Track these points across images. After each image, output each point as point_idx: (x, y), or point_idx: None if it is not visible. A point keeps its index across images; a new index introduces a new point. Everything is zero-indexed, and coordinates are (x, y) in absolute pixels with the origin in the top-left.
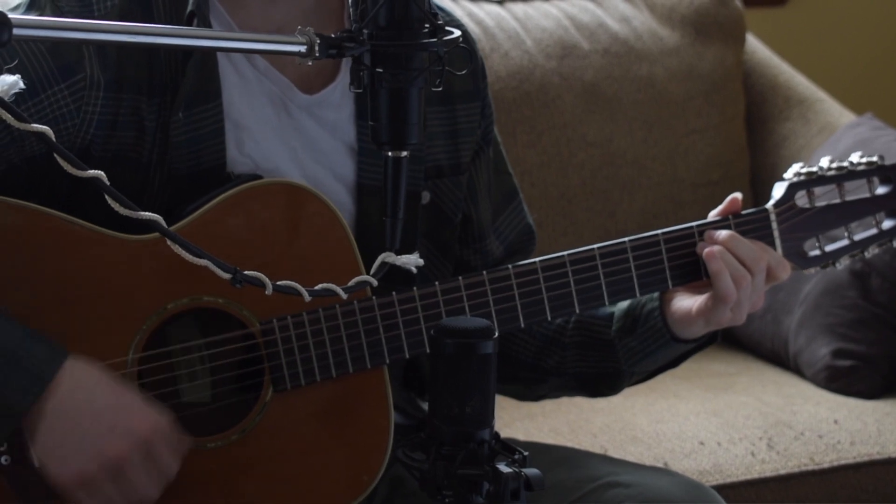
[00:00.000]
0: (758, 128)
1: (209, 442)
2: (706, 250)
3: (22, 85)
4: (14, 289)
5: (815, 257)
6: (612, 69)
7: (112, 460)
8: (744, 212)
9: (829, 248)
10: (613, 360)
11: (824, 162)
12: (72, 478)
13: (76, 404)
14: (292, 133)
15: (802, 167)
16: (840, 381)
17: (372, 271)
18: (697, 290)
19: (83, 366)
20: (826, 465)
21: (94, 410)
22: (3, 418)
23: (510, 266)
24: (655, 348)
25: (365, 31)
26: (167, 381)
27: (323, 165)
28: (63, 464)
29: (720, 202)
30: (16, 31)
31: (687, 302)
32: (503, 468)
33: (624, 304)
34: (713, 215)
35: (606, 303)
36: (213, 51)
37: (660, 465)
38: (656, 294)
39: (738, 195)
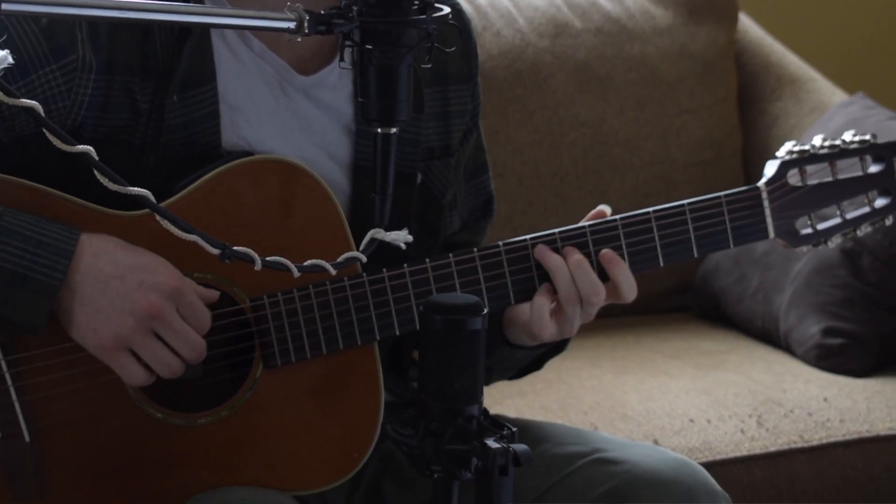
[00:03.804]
0: (750, 107)
1: (199, 418)
2: (547, 259)
3: (11, 60)
4: None
5: (807, 235)
6: (604, 48)
7: (146, 314)
8: (735, 190)
9: (820, 226)
10: None
11: (817, 140)
12: (111, 341)
13: (101, 270)
14: (288, 114)
15: (795, 145)
16: (830, 359)
17: (361, 247)
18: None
19: (98, 236)
20: (815, 443)
21: (119, 272)
22: (39, 298)
23: (501, 243)
24: (490, 350)
25: (354, 7)
26: None
27: (319, 146)
28: (99, 330)
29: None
30: (4, 6)
31: (522, 307)
32: (492, 444)
33: None
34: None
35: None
36: (202, 27)
37: (649, 442)
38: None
39: (606, 209)
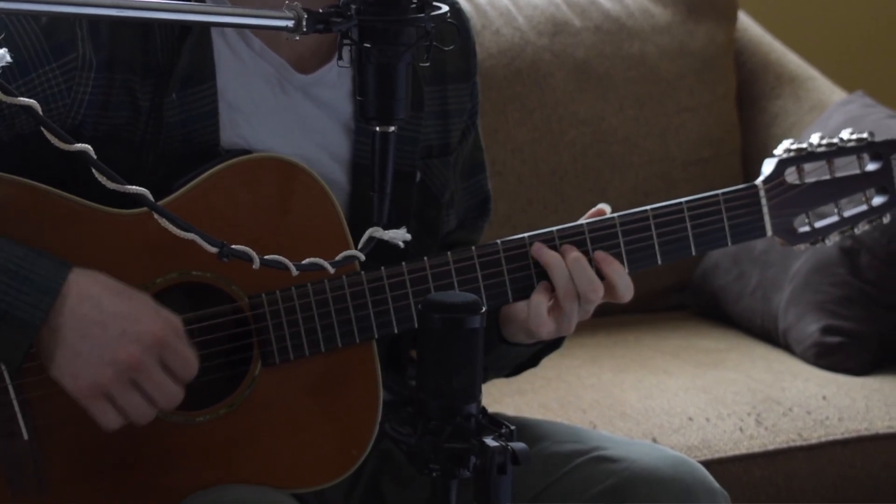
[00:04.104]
0: (749, 106)
1: (198, 416)
2: (544, 256)
3: (9, 59)
4: None
5: (805, 233)
6: (603, 47)
7: (126, 365)
8: (733, 188)
9: (818, 224)
10: None
11: (814, 138)
12: (90, 388)
13: (84, 314)
14: (287, 113)
15: (792, 143)
16: (829, 357)
17: (359, 246)
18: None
19: (88, 276)
20: (814, 441)
21: (103, 319)
22: (20, 335)
23: (499, 241)
24: (487, 348)
25: (353, 5)
26: None
27: (318, 145)
28: (78, 376)
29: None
30: (3, 5)
31: (519, 305)
32: (490, 442)
33: None
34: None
35: None
36: (201, 25)
37: (648, 440)
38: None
39: (605, 207)
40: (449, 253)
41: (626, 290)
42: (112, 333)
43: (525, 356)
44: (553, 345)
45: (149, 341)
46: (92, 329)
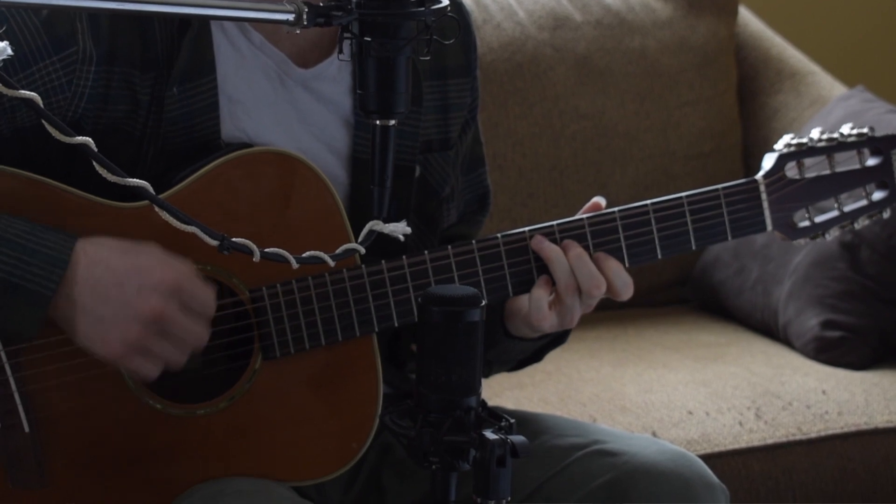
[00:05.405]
0: (750, 100)
1: (198, 409)
2: (545, 250)
3: (10, 52)
4: None
5: (805, 228)
6: (604, 41)
7: (151, 316)
8: (733, 182)
9: (818, 219)
10: None
11: (815, 133)
12: (120, 348)
13: (98, 278)
14: (287, 107)
15: (793, 138)
16: (829, 352)
17: (359, 239)
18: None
19: (94, 242)
20: (813, 435)
21: (117, 279)
22: (32, 309)
23: (499, 235)
24: (492, 342)
25: None
26: None
27: (318, 139)
28: (106, 339)
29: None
30: None
31: (521, 299)
32: (489, 435)
33: None
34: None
35: None
36: (200, 18)
37: (648, 434)
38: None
39: (601, 200)
40: (449, 246)
41: (623, 287)
42: (130, 291)
43: (529, 351)
44: (557, 340)
45: (166, 290)
46: (110, 291)
